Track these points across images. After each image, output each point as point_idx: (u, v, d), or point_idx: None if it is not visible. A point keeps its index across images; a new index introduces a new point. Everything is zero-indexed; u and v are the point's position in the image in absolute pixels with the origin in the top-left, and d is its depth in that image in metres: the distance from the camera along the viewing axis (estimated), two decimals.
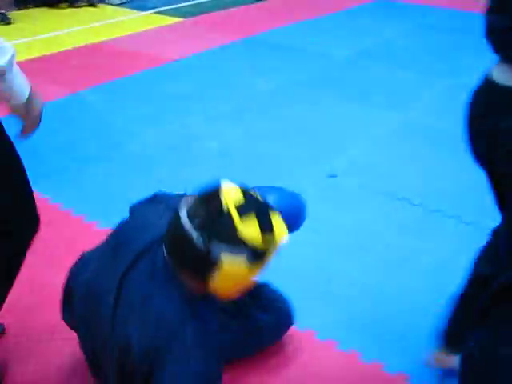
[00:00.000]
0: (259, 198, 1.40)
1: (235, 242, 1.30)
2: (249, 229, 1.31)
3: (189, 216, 1.32)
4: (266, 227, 1.34)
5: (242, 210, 1.32)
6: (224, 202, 1.32)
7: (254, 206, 1.35)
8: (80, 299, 1.62)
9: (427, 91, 4.66)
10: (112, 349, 1.44)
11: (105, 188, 3.05)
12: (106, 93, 4.18)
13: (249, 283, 1.45)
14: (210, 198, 1.34)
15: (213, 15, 6.70)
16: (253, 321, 1.87)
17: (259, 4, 7.41)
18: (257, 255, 1.34)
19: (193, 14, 6.63)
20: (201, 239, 1.30)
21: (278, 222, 1.39)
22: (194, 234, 1.30)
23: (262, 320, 1.88)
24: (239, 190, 1.37)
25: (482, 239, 2.75)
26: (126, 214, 1.75)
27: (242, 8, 7.14)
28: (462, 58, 5.54)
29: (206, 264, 1.33)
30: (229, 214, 1.30)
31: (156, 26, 6.10)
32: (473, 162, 1.65)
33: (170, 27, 6.11)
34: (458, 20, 7.05)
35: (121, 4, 6.97)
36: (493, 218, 2.91)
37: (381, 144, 3.70)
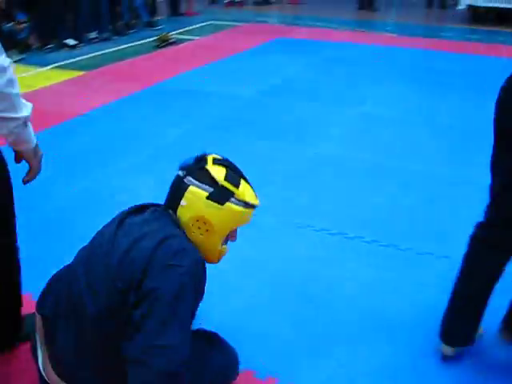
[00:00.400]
0: (237, 167, 1.77)
1: (202, 179, 1.67)
2: (215, 172, 1.68)
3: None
4: (232, 179, 1.69)
5: (216, 161, 1.72)
6: (205, 156, 1.74)
7: (227, 163, 1.74)
8: (82, 257, 1.73)
9: (336, 122, 4.83)
10: (110, 270, 1.57)
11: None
12: (11, 153, 4.03)
13: (213, 234, 1.69)
14: (199, 157, 1.76)
15: (115, 66, 6.67)
16: (206, 360, 1.84)
17: (161, 51, 7.47)
18: (217, 195, 1.66)
19: (94, 67, 6.57)
20: (181, 175, 1.70)
21: (246, 187, 1.73)
22: (180, 173, 1.71)
23: (213, 358, 1.87)
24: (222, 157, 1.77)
25: (400, 260, 2.85)
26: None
27: (144, 56, 7.17)
28: (363, 88, 5.80)
29: (179, 193, 1.69)
30: (205, 160, 1.72)
31: (57, 81, 5.98)
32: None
33: (71, 81, 6.00)
34: (354, 52, 7.40)
35: (18, 61, 6.81)
36: (408, 239, 3.03)
37: (295, 178, 3.78)
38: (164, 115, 4.95)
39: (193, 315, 1.60)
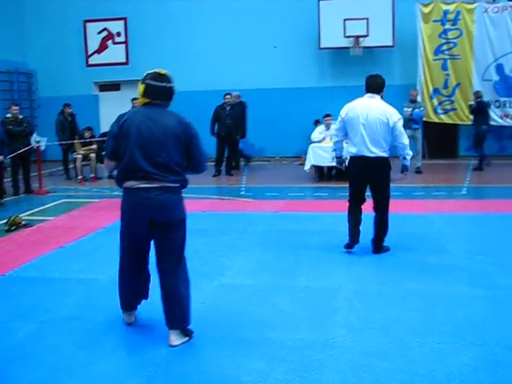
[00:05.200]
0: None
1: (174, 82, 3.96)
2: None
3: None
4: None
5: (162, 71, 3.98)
6: (158, 72, 3.91)
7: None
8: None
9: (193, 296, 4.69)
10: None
11: None
12: None
13: None
14: (157, 74, 3.90)
15: None
16: None
17: (11, 236, 7.09)
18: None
19: None
20: (168, 86, 3.88)
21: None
22: (167, 85, 3.88)
23: None
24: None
25: None
26: None
27: None
28: (222, 258, 5.76)
29: (172, 93, 3.90)
30: (164, 73, 3.89)
31: None
32: None
33: None
34: (212, 221, 7.46)
35: None
36: None
37: None
38: (13, 309, 4.57)
39: None
